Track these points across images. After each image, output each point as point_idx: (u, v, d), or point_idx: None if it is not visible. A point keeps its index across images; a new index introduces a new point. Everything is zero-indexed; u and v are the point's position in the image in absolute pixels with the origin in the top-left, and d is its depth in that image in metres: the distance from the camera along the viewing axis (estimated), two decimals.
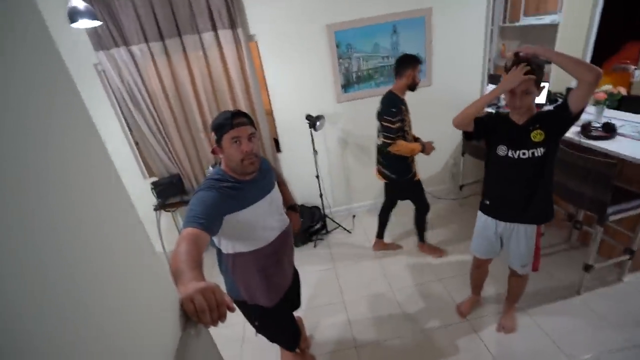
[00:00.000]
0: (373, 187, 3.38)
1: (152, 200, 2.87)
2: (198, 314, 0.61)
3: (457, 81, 2.86)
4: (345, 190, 3.36)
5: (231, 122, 1.17)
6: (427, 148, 2.31)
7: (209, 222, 1.06)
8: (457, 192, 3.35)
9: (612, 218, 1.91)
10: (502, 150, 1.54)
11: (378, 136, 2.38)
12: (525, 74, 1.35)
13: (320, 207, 3.17)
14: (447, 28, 2.82)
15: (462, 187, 3.29)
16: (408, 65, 2.15)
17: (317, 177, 2.98)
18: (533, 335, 1.91)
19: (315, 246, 3.04)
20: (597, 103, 2.39)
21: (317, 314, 2.31)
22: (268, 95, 2.86)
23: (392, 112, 2.17)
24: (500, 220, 1.71)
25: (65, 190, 0.38)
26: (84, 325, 0.36)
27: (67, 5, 1.69)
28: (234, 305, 0.68)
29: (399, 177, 2.39)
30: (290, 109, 2.90)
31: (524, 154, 1.49)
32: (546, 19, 3.14)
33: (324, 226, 3.18)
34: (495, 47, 4.08)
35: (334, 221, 3.26)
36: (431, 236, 2.89)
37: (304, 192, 3.24)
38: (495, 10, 3.67)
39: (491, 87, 3.32)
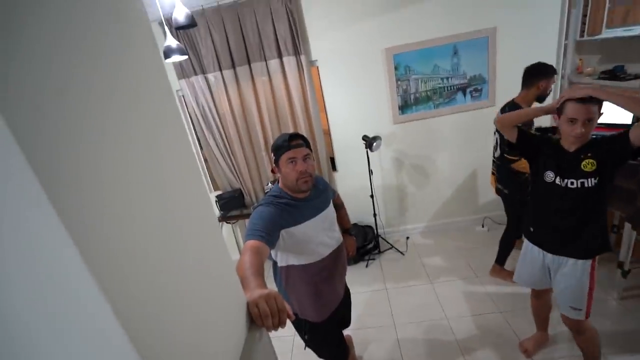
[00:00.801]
0: (427, 209, 3.30)
1: (216, 212, 3.14)
2: (262, 318, 0.69)
3: None
4: (399, 211, 3.32)
5: (288, 143, 1.28)
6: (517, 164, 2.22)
7: (268, 235, 1.16)
8: None
9: None
10: (549, 176, 1.47)
11: (495, 149, 2.35)
12: (586, 101, 1.29)
13: (374, 227, 3.17)
14: (514, 47, 2.70)
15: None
16: (543, 76, 2.04)
17: (372, 196, 3.00)
18: (567, 338, 1.73)
19: (367, 266, 3.03)
20: None
21: (366, 334, 2.28)
22: (327, 116, 3.00)
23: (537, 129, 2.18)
24: (547, 251, 1.58)
25: (168, 199, 0.48)
26: (171, 317, 0.45)
27: (162, 44, 2.00)
28: (292, 313, 0.74)
29: (511, 193, 2.31)
30: (347, 129, 2.99)
31: (572, 183, 1.40)
32: (636, 30, 2.85)
33: (377, 246, 3.15)
34: (570, 63, 3.78)
35: (387, 242, 3.22)
36: (490, 262, 2.71)
37: (357, 211, 3.26)
38: (571, 23, 3.43)
39: None
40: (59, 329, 0.27)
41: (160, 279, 0.43)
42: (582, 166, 1.37)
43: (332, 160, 3.18)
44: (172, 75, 2.78)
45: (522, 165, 2.15)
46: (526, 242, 1.69)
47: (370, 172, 2.88)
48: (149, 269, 0.41)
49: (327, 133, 3.05)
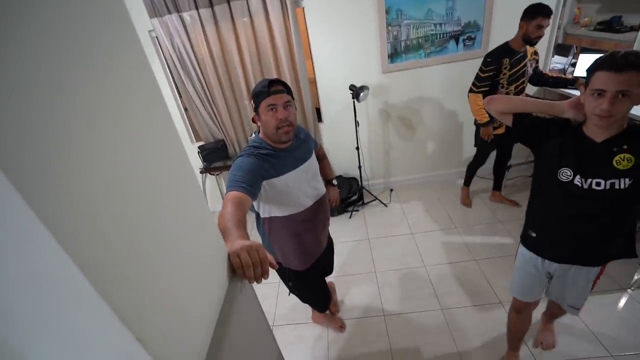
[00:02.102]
0: (413, 162, 3.32)
1: (199, 163, 3.06)
2: (243, 269, 0.68)
3: None
4: (384, 163, 3.32)
5: (268, 89, 1.21)
6: (485, 130, 2.33)
7: (249, 185, 1.13)
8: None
9: None
10: (565, 174, 1.13)
11: None
12: (626, 68, 0.93)
13: (358, 179, 3.19)
14: None
15: (509, 168, 3.10)
16: (523, 17, 2.11)
17: (357, 148, 2.97)
18: (572, 326, 1.84)
19: (350, 217, 3.10)
20: None
21: (348, 282, 2.40)
22: (312, 64, 2.83)
23: (486, 61, 2.25)
24: (552, 260, 1.31)
25: (139, 152, 0.44)
26: (147, 270, 0.43)
27: None
28: (275, 263, 0.74)
29: (475, 121, 2.52)
30: (334, 78, 2.86)
31: (598, 184, 1.07)
32: None
33: (361, 198, 3.20)
34: (568, 12, 3.62)
35: (371, 194, 3.27)
36: (473, 214, 2.86)
37: (343, 163, 3.26)
38: None
39: (558, 58, 3.00)
40: (23, 290, 0.25)
41: (133, 231, 0.40)
42: (614, 162, 1.04)
43: (318, 110, 3.07)
44: (143, 14, 2.51)
45: (470, 99, 2.32)
46: (523, 251, 1.41)
47: (357, 123, 2.82)
48: (121, 222, 0.38)
49: (313, 82, 2.91)
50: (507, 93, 2.30)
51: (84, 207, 0.33)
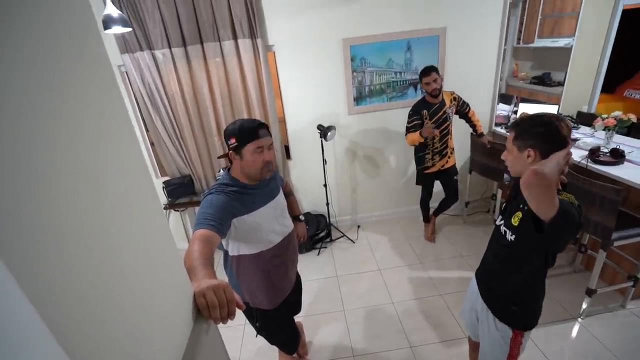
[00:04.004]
0: (379, 199, 3.43)
1: (163, 199, 2.96)
2: (209, 309, 0.67)
3: (468, 98, 2.87)
4: (351, 200, 3.40)
5: (257, 132, 1.26)
6: (424, 130, 2.51)
7: (219, 224, 1.12)
8: (462, 209, 3.36)
9: (616, 244, 1.92)
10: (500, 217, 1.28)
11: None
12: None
13: (326, 216, 3.22)
14: (461, 47, 2.88)
15: (467, 204, 3.30)
16: (419, 77, 2.53)
17: (325, 186, 3.04)
18: (531, 356, 1.91)
19: (318, 254, 3.08)
20: (606, 129, 2.40)
21: (316, 321, 2.34)
22: (282, 103, 2.95)
23: (410, 114, 2.62)
24: (480, 291, 1.37)
25: (105, 185, 0.44)
26: (106, 311, 0.42)
27: (100, 12, 1.80)
28: (242, 303, 0.73)
29: (416, 167, 2.89)
30: (302, 117, 2.97)
31: (503, 228, 1.22)
32: (561, 42, 3.18)
33: (329, 235, 3.22)
34: (508, 67, 4.12)
35: (338, 230, 3.30)
36: (437, 249, 2.95)
37: (311, 200, 3.29)
38: (510, 30, 3.72)
39: (502, 106, 3.35)
40: None
41: (92, 270, 0.39)
42: (513, 215, 1.16)
43: (287, 148, 3.15)
44: (113, 49, 2.53)
45: (407, 140, 2.64)
46: (472, 280, 1.47)
47: (324, 161, 2.91)
48: (79, 261, 0.37)
49: (282, 121, 3.01)
50: (434, 137, 2.63)
51: (37, 238, 0.32)
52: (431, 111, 2.55)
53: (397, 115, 2.99)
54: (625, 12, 2.92)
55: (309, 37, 2.72)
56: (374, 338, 2.16)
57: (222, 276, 1.31)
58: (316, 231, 3.12)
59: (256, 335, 1.65)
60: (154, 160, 3.12)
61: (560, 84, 3.23)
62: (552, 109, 3.02)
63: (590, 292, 2.05)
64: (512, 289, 1.23)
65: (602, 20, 2.95)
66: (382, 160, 3.26)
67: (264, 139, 1.28)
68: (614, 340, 1.95)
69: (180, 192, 3.00)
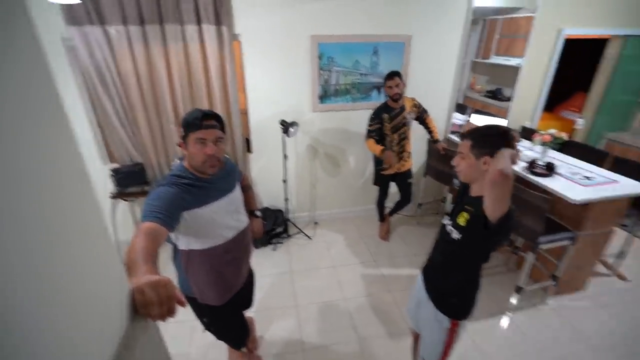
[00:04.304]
0: (337, 196, 3.49)
1: (110, 187, 2.78)
2: (147, 307, 0.64)
3: (427, 105, 3.01)
4: (310, 197, 3.43)
5: (200, 122, 1.20)
6: (385, 155, 2.64)
7: (167, 217, 1.08)
8: (415, 210, 3.53)
9: (543, 247, 2.14)
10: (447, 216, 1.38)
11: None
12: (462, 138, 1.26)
13: (284, 211, 3.22)
14: (424, 56, 3.00)
15: (420, 206, 3.47)
16: (384, 80, 2.62)
17: (285, 181, 3.03)
18: (465, 346, 2.07)
19: (274, 249, 3.07)
20: (543, 144, 2.65)
21: (269, 316, 2.34)
22: (245, 95, 2.88)
23: (371, 117, 2.71)
24: (425, 285, 1.47)
25: (22, 166, 0.40)
26: (27, 301, 0.39)
27: None
28: (185, 300, 0.71)
29: (374, 167, 2.97)
30: (265, 111, 2.93)
31: (448, 226, 1.31)
32: (512, 62, 3.44)
33: (286, 230, 3.22)
34: (466, 79, 4.38)
35: (295, 226, 3.31)
36: (390, 248, 3.07)
37: (269, 195, 3.27)
38: (470, 45, 3.95)
39: (457, 115, 3.56)
40: None
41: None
42: (459, 215, 1.25)
43: (248, 141, 3.09)
44: (58, 18, 2.30)
45: (367, 145, 2.75)
46: (418, 276, 1.58)
47: (285, 157, 2.90)
48: None
49: (245, 113, 2.95)
50: (392, 140, 2.74)
51: None
52: (391, 115, 2.64)
53: (359, 116, 3.05)
54: (567, 42, 3.23)
55: (277, 29, 2.68)
56: (324, 332, 2.21)
57: (170, 269, 1.25)
58: (273, 226, 3.11)
59: (203, 331, 1.62)
60: (102, 145, 2.90)
61: (510, 99, 3.50)
62: (501, 122, 3.26)
63: (518, 290, 2.27)
64: (455, 283, 1.34)
65: (547, 46, 3.23)
66: (342, 159, 3.32)
67: (209, 130, 1.22)
68: (536, 332, 2.18)
69: (131, 180, 2.82)
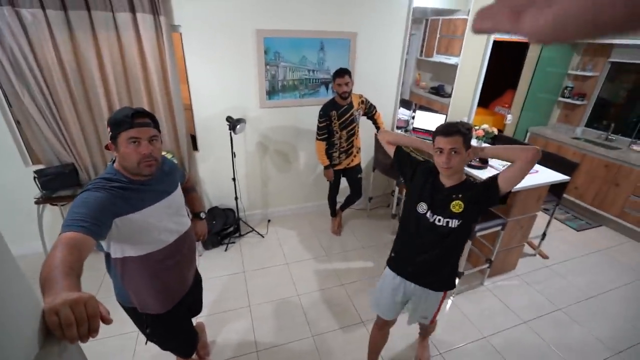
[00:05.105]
0: (289, 193, 3.47)
1: (35, 191, 2.48)
2: (63, 329, 0.58)
3: (374, 101, 3.09)
4: (261, 194, 3.37)
5: (131, 120, 1.12)
6: (326, 172, 2.83)
7: (94, 225, 0.98)
8: (365, 204, 3.64)
9: (479, 234, 2.32)
10: (422, 207, 1.45)
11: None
12: (451, 134, 1.31)
13: (235, 210, 3.13)
14: (369, 53, 3.07)
15: (370, 199, 3.59)
16: (332, 77, 2.60)
17: (234, 179, 2.94)
18: (410, 330, 2.17)
19: (226, 250, 2.98)
20: (477, 138, 2.87)
21: (221, 320, 2.27)
22: (189, 89, 2.73)
23: (320, 114, 2.70)
24: (407, 280, 1.59)
25: None
26: None
27: None
28: (110, 318, 0.65)
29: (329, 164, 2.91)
30: (211, 107, 2.81)
31: (439, 220, 1.41)
32: (452, 60, 3.66)
33: (237, 229, 3.14)
34: (411, 76, 4.59)
35: (247, 225, 3.24)
36: (342, 242, 3.14)
37: (219, 194, 3.16)
38: (413, 44, 4.13)
39: (403, 110, 3.72)
40: None
41: None
42: (451, 205, 1.37)
43: (194, 138, 2.94)
44: None
45: (316, 146, 2.81)
46: (388, 272, 1.66)
47: (234, 154, 2.81)
48: None
49: (189, 108, 2.80)
50: (340, 137, 2.77)
51: None
52: (339, 112, 2.68)
53: (308, 112, 3.05)
54: (496, 43, 3.51)
55: (220, 22, 2.56)
56: (278, 331, 2.20)
57: (107, 279, 1.13)
58: (224, 226, 3.01)
59: (146, 343, 1.52)
60: (21, 144, 2.58)
61: (449, 95, 3.73)
62: (441, 118, 3.47)
63: (459, 275, 2.45)
64: (453, 264, 1.53)
65: (479, 46, 3.48)
66: (293, 156, 3.30)
67: (142, 129, 1.14)
68: (474, 311, 2.38)
69: (60, 183, 2.55)
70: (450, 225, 1.39)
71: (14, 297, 0.54)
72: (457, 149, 1.31)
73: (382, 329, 1.79)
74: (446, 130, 1.32)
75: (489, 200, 1.36)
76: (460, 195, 1.37)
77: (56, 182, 2.54)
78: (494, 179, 1.33)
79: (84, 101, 2.46)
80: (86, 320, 0.60)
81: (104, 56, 2.37)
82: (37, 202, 2.48)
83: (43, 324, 0.58)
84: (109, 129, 1.15)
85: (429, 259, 1.48)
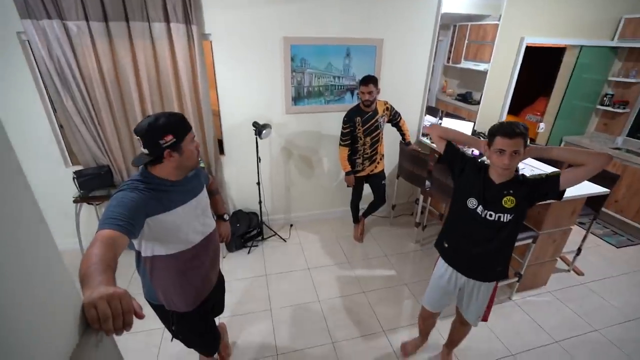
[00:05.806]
0: (312, 198, 3.48)
1: (73, 190, 2.64)
2: (100, 322, 0.61)
3: (399, 108, 3.06)
4: (284, 199, 3.41)
5: (187, 122, 1.27)
6: (347, 178, 2.85)
7: (128, 224, 1.03)
8: (389, 211, 3.59)
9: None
10: (472, 203, 1.49)
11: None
12: (515, 135, 1.31)
13: (258, 214, 3.18)
14: (396, 59, 3.06)
15: (394, 207, 3.53)
16: (359, 84, 2.62)
17: (258, 184, 2.99)
18: (434, 338, 2.12)
19: (249, 252, 3.03)
20: None
21: (242, 321, 2.30)
22: (217, 95, 2.82)
23: (344, 120, 2.71)
24: (460, 272, 1.63)
25: None
26: None
27: None
28: (143, 313, 0.68)
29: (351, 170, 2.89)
30: (238, 113, 2.88)
31: (490, 215, 1.44)
32: (481, 66, 3.57)
33: (260, 233, 3.18)
34: (438, 83, 4.51)
35: (270, 229, 3.28)
36: (364, 249, 3.11)
37: (243, 197, 3.22)
38: (440, 50, 4.07)
39: (429, 117, 3.65)
40: None
41: None
42: (502, 201, 1.41)
43: (220, 142, 3.03)
44: (10, 11, 2.16)
45: (339, 151, 2.81)
46: (441, 263, 1.70)
47: (259, 159, 2.87)
48: None
49: (217, 114, 2.89)
50: (364, 143, 2.75)
51: None
52: (364, 118, 2.67)
53: (333, 119, 3.07)
54: (529, 49, 3.39)
55: (249, 30, 2.64)
56: (298, 336, 2.20)
57: (135, 276, 1.19)
58: (248, 229, 3.06)
59: (172, 340, 1.56)
60: (64, 147, 2.75)
61: (478, 102, 3.64)
62: (469, 125, 3.38)
63: (518, 275, 2.38)
64: (507, 256, 1.55)
65: (510, 52, 3.38)
66: (316, 161, 3.32)
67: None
68: (501, 326, 2.28)
69: (96, 183, 2.69)
70: (502, 219, 1.43)
71: (58, 288, 0.57)
72: (518, 150, 1.33)
73: (427, 319, 1.89)
74: (509, 131, 1.32)
75: (546, 196, 1.41)
76: (511, 191, 1.41)
77: (93, 183, 2.68)
78: (556, 177, 1.36)
79: (120, 106, 2.59)
80: (121, 315, 0.63)
81: (139, 64, 2.50)
82: (75, 201, 2.63)
83: (82, 316, 0.61)
84: (170, 137, 1.16)
85: (484, 252, 1.52)
